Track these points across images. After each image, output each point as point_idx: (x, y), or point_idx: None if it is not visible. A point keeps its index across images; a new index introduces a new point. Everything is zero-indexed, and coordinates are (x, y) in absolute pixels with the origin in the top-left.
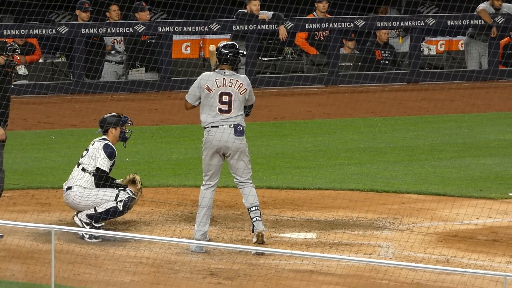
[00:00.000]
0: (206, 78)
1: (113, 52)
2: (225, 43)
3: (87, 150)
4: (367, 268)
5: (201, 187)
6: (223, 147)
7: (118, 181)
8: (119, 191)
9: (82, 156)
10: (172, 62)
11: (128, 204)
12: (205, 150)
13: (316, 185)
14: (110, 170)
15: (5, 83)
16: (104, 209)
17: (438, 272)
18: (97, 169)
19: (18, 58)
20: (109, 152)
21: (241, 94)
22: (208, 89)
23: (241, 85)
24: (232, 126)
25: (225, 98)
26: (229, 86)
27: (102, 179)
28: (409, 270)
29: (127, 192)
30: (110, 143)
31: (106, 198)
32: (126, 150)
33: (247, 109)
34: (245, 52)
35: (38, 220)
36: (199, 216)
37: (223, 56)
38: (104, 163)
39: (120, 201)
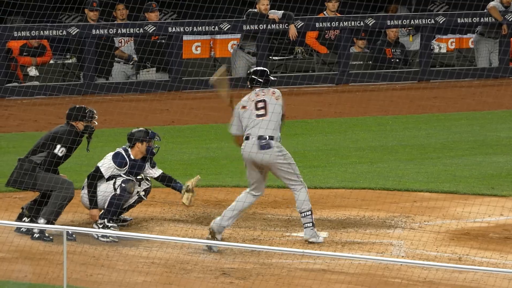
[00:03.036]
0: (240, 103)
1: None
2: (255, 68)
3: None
4: (379, 267)
5: (246, 190)
6: (253, 161)
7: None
8: (115, 180)
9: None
10: (182, 63)
11: (125, 187)
12: (244, 161)
13: (327, 184)
14: (128, 181)
15: (76, 147)
16: (107, 203)
17: (451, 270)
18: (97, 168)
19: (96, 123)
20: (119, 163)
21: (276, 100)
22: (243, 107)
23: (273, 93)
24: (258, 138)
25: (260, 104)
26: (262, 95)
27: (95, 178)
28: (422, 269)
29: (121, 176)
30: (123, 153)
31: (109, 190)
32: None
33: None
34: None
35: None
36: (228, 212)
37: (255, 80)
38: (105, 164)
39: (117, 187)
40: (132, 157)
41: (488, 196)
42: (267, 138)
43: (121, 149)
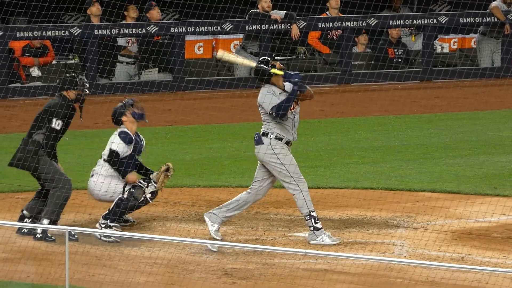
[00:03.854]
0: None
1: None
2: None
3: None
4: (381, 267)
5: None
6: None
7: (155, 174)
8: (125, 184)
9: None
10: (185, 63)
11: (133, 192)
12: None
13: (330, 184)
14: (133, 157)
15: (72, 118)
16: (113, 204)
17: (453, 270)
18: (111, 152)
19: (87, 92)
20: (123, 137)
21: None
22: None
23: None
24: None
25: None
26: None
27: (116, 164)
28: (424, 268)
29: (135, 184)
30: (127, 130)
31: (118, 190)
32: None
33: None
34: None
35: None
36: (229, 204)
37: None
38: (118, 147)
39: (126, 191)
40: (130, 134)
41: (490, 196)
42: (260, 133)
43: (121, 128)
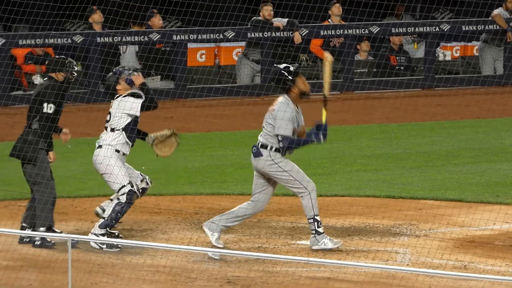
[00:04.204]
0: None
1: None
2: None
3: (109, 113)
4: (384, 275)
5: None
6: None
7: (152, 135)
8: (128, 183)
9: (107, 121)
10: (187, 70)
11: (131, 197)
12: None
13: (332, 192)
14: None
15: (64, 98)
16: (110, 211)
17: (455, 278)
18: (132, 121)
19: (75, 74)
20: (138, 95)
21: (269, 112)
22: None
23: (273, 104)
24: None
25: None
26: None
27: (136, 124)
28: (426, 276)
29: (131, 185)
30: (132, 91)
31: (118, 180)
32: (142, 158)
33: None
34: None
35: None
36: (229, 214)
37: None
38: (134, 107)
39: (123, 194)
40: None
41: (493, 204)
42: (258, 145)
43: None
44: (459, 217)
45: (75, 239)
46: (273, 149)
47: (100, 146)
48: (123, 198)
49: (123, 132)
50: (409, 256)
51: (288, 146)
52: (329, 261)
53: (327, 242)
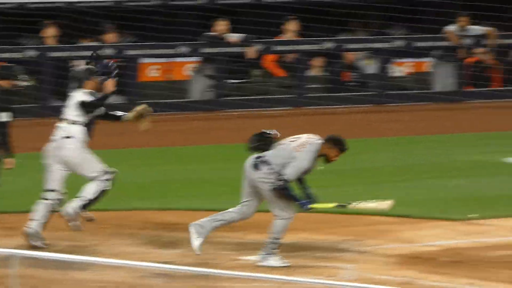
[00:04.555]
0: None
1: None
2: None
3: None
4: None
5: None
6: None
7: (128, 115)
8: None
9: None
10: (139, 85)
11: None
12: None
13: None
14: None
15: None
16: (96, 194)
17: None
18: (82, 103)
19: (23, 83)
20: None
21: (295, 149)
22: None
23: (301, 145)
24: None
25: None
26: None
27: (91, 106)
28: None
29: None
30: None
31: (97, 169)
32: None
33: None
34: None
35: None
36: (216, 215)
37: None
38: (86, 97)
39: (107, 179)
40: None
41: (440, 220)
42: (260, 159)
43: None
44: (406, 232)
45: (19, 255)
46: (274, 171)
47: (67, 137)
48: (109, 185)
49: (85, 128)
50: (355, 272)
51: (282, 189)
52: (275, 276)
53: (275, 262)
